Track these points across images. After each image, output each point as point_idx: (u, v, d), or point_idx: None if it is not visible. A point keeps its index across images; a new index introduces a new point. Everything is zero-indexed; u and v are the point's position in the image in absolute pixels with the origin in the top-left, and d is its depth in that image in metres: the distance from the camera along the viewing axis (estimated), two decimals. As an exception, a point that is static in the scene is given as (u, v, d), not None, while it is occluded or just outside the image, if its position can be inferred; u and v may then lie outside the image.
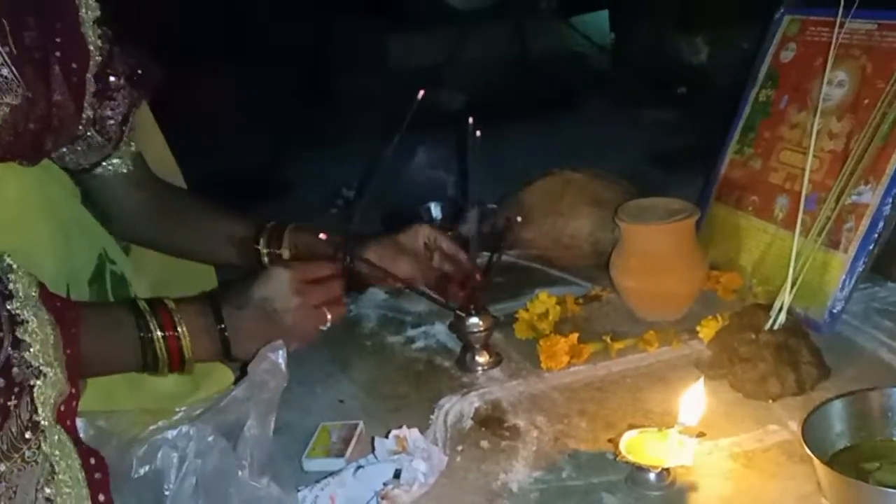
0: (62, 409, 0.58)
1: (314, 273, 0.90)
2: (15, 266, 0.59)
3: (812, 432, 0.67)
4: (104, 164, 0.94)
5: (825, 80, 0.92)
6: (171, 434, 0.64)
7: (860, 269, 0.92)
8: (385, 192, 1.61)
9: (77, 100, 0.82)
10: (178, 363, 0.79)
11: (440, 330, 1.06)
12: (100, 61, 0.85)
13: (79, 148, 0.90)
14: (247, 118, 2.15)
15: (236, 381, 0.88)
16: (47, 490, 0.54)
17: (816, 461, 0.65)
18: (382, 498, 0.73)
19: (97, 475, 0.58)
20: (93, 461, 0.58)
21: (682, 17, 2.12)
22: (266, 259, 1.01)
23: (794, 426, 0.79)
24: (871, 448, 0.70)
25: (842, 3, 0.85)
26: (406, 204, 1.46)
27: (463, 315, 0.95)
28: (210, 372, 0.97)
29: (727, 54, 2.04)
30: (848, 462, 0.68)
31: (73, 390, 0.60)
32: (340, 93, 2.35)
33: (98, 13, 0.83)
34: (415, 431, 0.79)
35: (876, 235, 0.91)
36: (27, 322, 0.57)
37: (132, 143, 0.97)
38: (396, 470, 0.76)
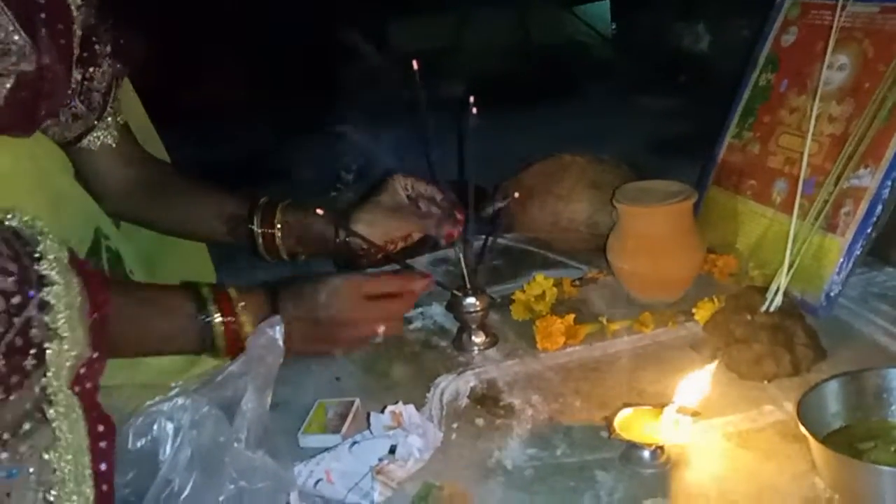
0: (82, 371, 0.58)
1: (381, 288, 0.91)
2: (45, 230, 0.59)
3: (807, 412, 0.68)
4: (89, 136, 0.93)
5: (826, 63, 0.92)
6: (166, 406, 0.64)
7: (857, 253, 0.92)
8: (383, 174, 1.63)
9: (65, 62, 0.81)
10: (235, 348, 0.80)
11: (437, 311, 1.07)
12: (81, 21, 0.83)
13: (62, 118, 0.88)
14: (246, 104, 2.15)
15: (232, 358, 0.89)
16: (45, 456, 0.54)
17: (812, 440, 0.65)
18: (377, 472, 0.73)
19: (102, 443, 0.57)
20: (101, 428, 0.58)
21: (683, 6, 2.12)
22: (260, 239, 1.00)
23: (789, 407, 0.80)
24: (866, 428, 0.70)
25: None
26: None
27: (459, 295, 0.95)
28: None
29: (728, 42, 2.03)
30: (843, 442, 0.68)
31: (96, 354, 0.60)
32: (341, 78, 2.34)
33: None
34: (410, 407, 0.79)
35: (874, 219, 0.91)
36: (55, 284, 0.57)
37: (118, 116, 0.96)
38: (392, 446, 0.76)
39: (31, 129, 0.81)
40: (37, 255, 0.57)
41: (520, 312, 1.02)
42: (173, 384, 0.79)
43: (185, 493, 0.60)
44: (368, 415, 0.79)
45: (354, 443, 0.76)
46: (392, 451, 0.76)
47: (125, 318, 0.71)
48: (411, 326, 1.05)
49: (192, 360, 0.93)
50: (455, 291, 0.95)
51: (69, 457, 0.54)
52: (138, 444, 0.62)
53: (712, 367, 0.79)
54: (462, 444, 0.80)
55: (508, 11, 2.43)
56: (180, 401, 0.63)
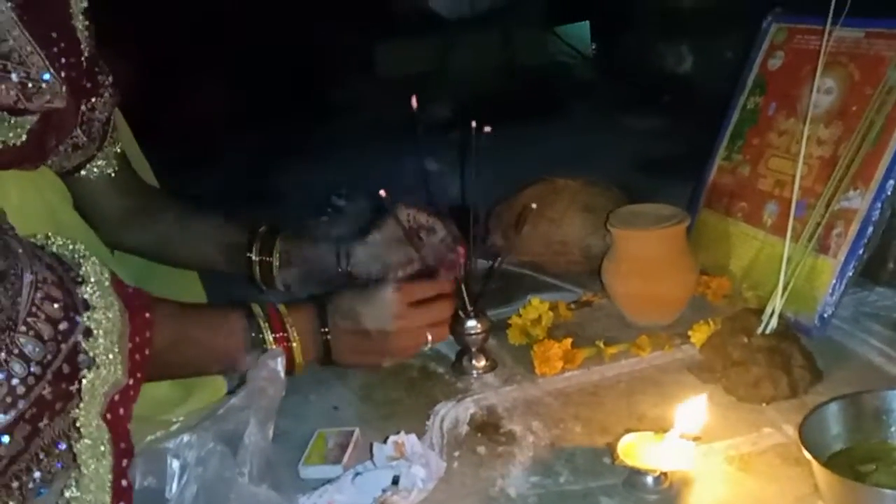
0: (116, 398, 0.58)
1: (422, 294, 0.91)
2: (87, 253, 0.59)
3: (809, 435, 0.68)
4: (88, 166, 0.93)
5: (815, 87, 0.93)
6: (172, 443, 0.64)
7: (850, 274, 0.93)
8: (374, 198, 1.63)
9: (75, 95, 0.81)
10: (289, 364, 0.81)
11: (433, 337, 1.07)
12: (87, 56, 0.84)
13: (62, 149, 0.87)
14: (235, 127, 2.15)
15: (230, 392, 0.88)
16: (66, 493, 0.53)
17: (814, 463, 0.65)
18: (381, 504, 0.72)
19: (123, 482, 0.57)
20: (124, 463, 0.58)
21: (665, 27, 2.15)
22: (257, 269, 1.00)
23: (789, 429, 0.80)
24: (867, 450, 0.70)
25: (831, 11, 0.87)
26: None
27: (461, 317, 0.95)
28: (203, 382, 0.97)
29: (710, 63, 2.07)
30: (844, 464, 0.69)
31: (132, 381, 0.59)
32: (329, 101, 2.35)
33: (85, 4, 0.82)
34: (412, 437, 0.79)
35: (866, 240, 0.92)
36: (95, 308, 0.57)
37: (116, 144, 0.96)
38: (394, 476, 0.76)
39: (42, 161, 0.81)
40: (79, 279, 0.57)
41: (516, 337, 1.03)
42: (174, 418, 0.78)
43: (191, 531, 0.60)
44: (371, 445, 0.79)
45: (357, 474, 0.76)
46: (395, 481, 0.75)
47: (177, 340, 0.71)
48: (407, 352, 1.05)
49: (189, 391, 0.92)
50: (456, 313, 0.95)
51: (90, 497, 0.54)
52: (144, 483, 0.62)
53: (703, 396, 0.79)
54: (464, 472, 0.80)
55: (492, 33, 2.45)
56: (186, 437, 0.63)
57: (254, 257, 0.99)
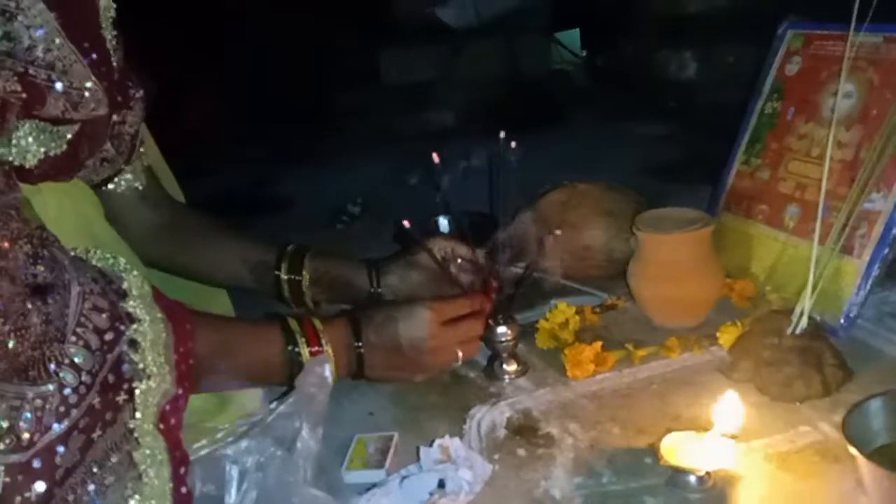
0: (167, 408, 0.58)
1: (456, 312, 0.93)
2: (128, 266, 0.60)
3: (851, 430, 0.70)
4: (116, 179, 0.93)
5: (840, 92, 0.95)
6: (231, 450, 0.64)
7: (875, 274, 0.95)
8: (395, 206, 1.64)
9: (109, 111, 0.81)
10: None
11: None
12: (118, 67, 0.84)
13: (91, 162, 0.88)
14: (242, 135, 2.16)
15: (272, 401, 0.89)
16: (131, 502, 0.54)
17: (859, 457, 0.67)
18: (430, 507, 0.73)
19: (182, 489, 0.58)
20: (182, 470, 0.58)
21: (670, 33, 2.17)
22: (286, 287, 1.01)
23: (825, 427, 0.82)
24: (908, 445, 0.72)
25: (854, 16, 0.89)
26: (415, 219, 1.48)
27: (491, 324, 0.96)
28: (238, 393, 0.98)
29: (713, 69, 2.09)
30: (886, 459, 0.70)
31: (181, 390, 0.60)
32: (334, 109, 2.36)
33: (114, 14, 0.81)
34: (456, 440, 0.80)
35: (889, 241, 0.94)
36: (141, 321, 0.57)
37: (143, 158, 0.96)
38: (440, 480, 0.77)
39: (74, 173, 0.81)
40: (122, 291, 0.57)
41: (545, 341, 1.04)
42: (220, 426, 0.78)
43: (253, 535, 0.60)
44: (418, 449, 0.79)
45: (404, 478, 0.77)
46: (441, 485, 0.76)
47: (214, 353, 0.72)
48: (437, 358, 1.06)
49: (224, 401, 0.93)
50: (488, 321, 0.97)
51: (152, 502, 0.55)
52: (204, 489, 0.62)
53: (733, 393, 0.81)
54: (506, 475, 0.81)
55: (497, 41, 2.47)
56: (245, 443, 0.64)
57: (282, 276, 1.00)
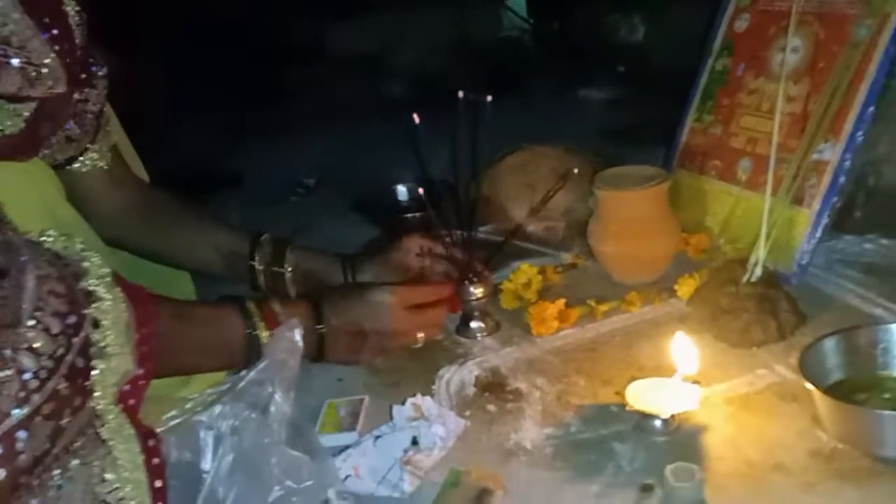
0: (126, 388, 0.57)
1: (420, 298, 0.93)
2: (86, 248, 0.59)
3: (808, 368, 0.73)
4: (81, 158, 0.91)
5: (788, 47, 0.98)
6: (205, 416, 0.64)
7: (824, 223, 0.99)
8: (350, 177, 1.63)
9: (71, 87, 0.79)
10: None
11: (427, 305, 1.09)
12: (80, 45, 0.82)
13: (55, 141, 0.86)
14: (191, 110, 2.11)
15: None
16: (107, 475, 0.54)
17: (815, 392, 0.70)
18: (405, 463, 0.74)
19: (155, 460, 0.57)
20: (152, 443, 0.58)
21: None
22: (262, 278, 1.00)
23: (781, 369, 0.85)
24: (860, 381, 0.75)
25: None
26: (374, 188, 1.48)
27: (465, 283, 0.98)
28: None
29: (663, 31, 2.12)
30: (840, 394, 0.73)
31: (142, 371, 0.59)
32: (284, 83, 2.33)
33: None
34: (428, 399, 0.81)
35: (838, 190, 0.97)
36: (102, 299, 0.56)
37: (109, 136, 0.94)
38: (413, 437, 0.78)
39: (35, 152, 0.79)
40: (80, 273, 0.56)
41: (509, 301, 1.05)
42: (189, 395, 0.78)
43: (230, 499, 0.61)
44: (390, 409, 0.80)
45: (378, 437, 0.77)
46: (414, 442, 0.77)
47: (174, 336, 0.71)
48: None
49: (186, 378, 0.93)
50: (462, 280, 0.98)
51: (126, 474, 0.54)
52: (179, 457, 0.62)
53: (681, 335, 0.83)
54: (478, 430, 0.83)
55: (444, 10, 2.46)
56: (218, 408, 0.64)
57: (257, 266, 0.99)
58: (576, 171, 1.03)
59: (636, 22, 2.10)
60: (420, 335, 0.93)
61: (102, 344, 0.55)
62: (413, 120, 0.99)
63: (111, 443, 0.55)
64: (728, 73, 1.15)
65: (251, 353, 0.80)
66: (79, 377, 0.53)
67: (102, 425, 0.55)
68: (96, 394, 0.55)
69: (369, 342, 0.89)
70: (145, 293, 0.65)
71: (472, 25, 2.50)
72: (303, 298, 0.89)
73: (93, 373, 0.55)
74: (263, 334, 0.80)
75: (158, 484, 0.56)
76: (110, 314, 0.56)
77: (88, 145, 0.90)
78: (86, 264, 0.57)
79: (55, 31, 0.72)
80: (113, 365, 0.56)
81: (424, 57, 2.34)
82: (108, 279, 0.58)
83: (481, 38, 2.49)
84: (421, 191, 0.97)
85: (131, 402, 0.58)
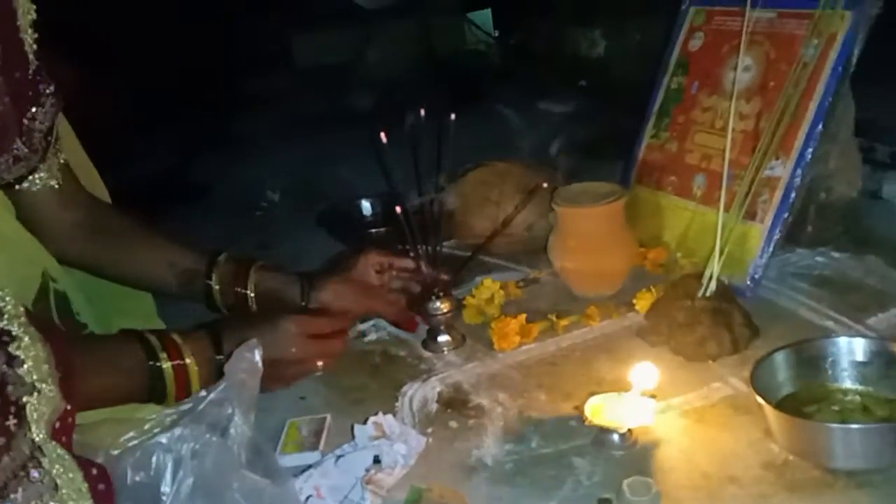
0: (57, 426, 0.57)
1: (318, 330, 0.94)
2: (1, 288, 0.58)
3: (759, 382, 0.74)
4: (31, 177, 0.90)
5: (739, 66, 1.00)
6: (164, 438, 0.64)
7: (777, 237, 1.01)
8: (317, 189, 1.63)
9: (17, 105, 0.79)
10: (183, 392, 0.81)
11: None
12: (33, 67, 0.82)
13: (2, 160, 0.84)
14: (150, 121, 2.09)
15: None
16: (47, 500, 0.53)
17: (766, 406, 0.72)
18: (367, 482, 0.75)
19: (101, 486, 0.57)
20: (95, 472, 0.57)
21: (579, 13, 2.22)
22: (219, 297, 0.99)
23: (735, 382, 0.87)
24: (810, 393, 0.78)
25: (751, -6, 0.93)
26: (338, 203, 1.48)
27: (430, 299, 0.99)
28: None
29: (623, 47, 2.15)
30: (790, 407, 0.75)
31: (69, 406, 0.59)
32: (247, 94, 2.32)
33: (33, 16, 0.80)
34: (390, 417, 0.81)
35: (789, 205, 1.00)
36: (19, 338, 0.56)
37: (59, 155, 0.93)
38: (375, 456, 0.78)
39: None
40: None
41: (472, 317, 1.07)
42: (148, 416, 0.77)
43: (191, 522, 0.61)
44: (352, 428, 0.81)
45: (339, 457, 0.78)
46: (376, 460, 0.78)
47: (87, 370, 0.70)
48: (367, 339, 1.07)
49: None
50: (421, 297, 0.99)
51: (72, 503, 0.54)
52: (136, 479, 0.62)
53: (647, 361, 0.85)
54: (440, 447, 0.83)
55: (409, 23, 2.47)
56: (178, 431, 0.63)
57: (213, 285, 0.99)
58: (545, 185, 1.04)
59: (596, 36, 2.13)
60: (319, 363, 0.94)
61: (30, 379, 0.55)
62: (379, 136, 1.00)
63: (53, 471, 0.54)
64: (683, 91, 1.18)
65: (155, 387, 0.81)
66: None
67: (43, 455, 0.55)
68: (34, 426, 0.55)
69: (268, 371, 0.84)
70: (57, 329, 0.65)
71: (436, 38, 2.52)
72: (202, 328, 0.89)
73: (26, 409, 0.55)
74: (167, 365, 0.81)
75: None
76: (31, 351, 0.56)
77: (38, 164, 0.89)
78: (0, 304, 0.57)
79: (7, 57, 0.71)
80: (44, 398, 0.56)
81: (388, 70, 2.35)
82: (23, 318, 0.58)
83: (445, 51, 2.51)
84: (398, 209, 0.97)
85: (64, 439, 0.58)
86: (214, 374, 0.85)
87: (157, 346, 0.81)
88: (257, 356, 0.75)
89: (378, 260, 1.04)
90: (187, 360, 0.83)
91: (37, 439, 0.56)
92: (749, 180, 1.00)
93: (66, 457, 0.58)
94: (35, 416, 0.56)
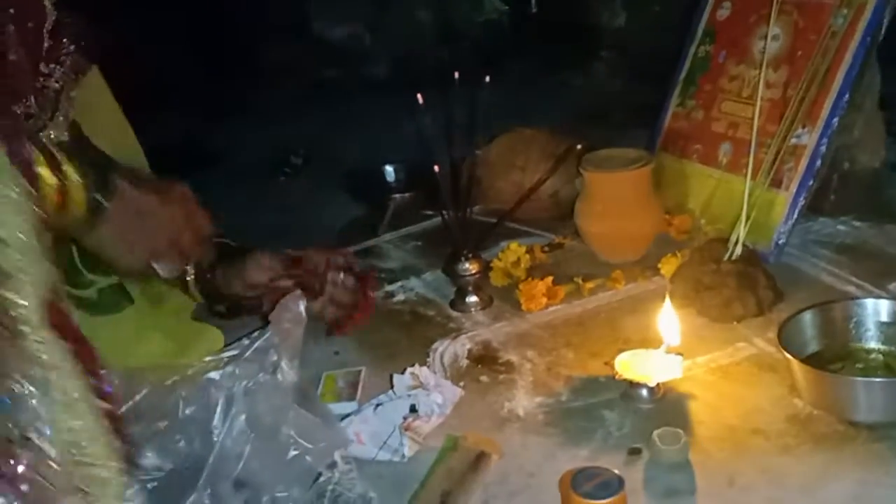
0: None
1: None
2: None
3: (786, 339, 0.77)
4: (39, 135, 0.91)
5: (769, 35, 1.02)
6: (216, 375, 0.66)
7: (801, 204, 1.03)
8: (339, 156, 1.65)
9: (33, 60, 0.79)
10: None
11: (416, 283, 1.12)
12: (53, 19, 0.82)
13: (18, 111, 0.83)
14: (170, 89, 2.11)
15: (228, 345, 0.90)
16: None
17: (793, 361, 0.74)
18: (405, 429, 0.78)
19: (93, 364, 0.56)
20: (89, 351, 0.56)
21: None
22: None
23: (760, 342, 0.89)
24: (834, 352, 0.80)
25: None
26: (363, 166, 1.50)
27: (459, 260, 1.02)
28: (198, 335, 0.99)
29: (644, 17, 2.15)
30: (816, 364, 0.78)
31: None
32: (267, 63, 2.33)
33: None
34: (426, 369, 0.84)
35: (814, 174, 1.02)
36: None
37: (68, 117, 0.93)
38: (412, 405, 0.81)
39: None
40: None
41: (499, 279, 1.09)
42: (192, 362, 0.80)
43: (244, 458, 0.63)
44: (391, 377, 0.84)
45: (378, 405, 0.81)
46: (413, 409, 0.81)
47: None
48: (395, 299, 1.10)
49: (183, 347, 0.95)
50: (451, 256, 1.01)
51: (53, 376, 0.52)
52: (187, 412, 0.65)
53: (667, 302, 0.86)
54: (473, 399, 0.86)
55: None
56: (230, 369, 0.66)
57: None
58: (579, 146, 1.05)
59: (617, 6, 2.13)
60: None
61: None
62: (414, 100, 1.01)
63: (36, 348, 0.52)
64: (710, 60, 1.19)
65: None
66: None
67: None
68: (20, 301, 0.52)
69: (142, 222, 0.78)
70: None
71: (453, 7, 2.52)
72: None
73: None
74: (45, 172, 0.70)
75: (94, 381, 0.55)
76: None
77: (48, 121, 0.89)
78: None
79: (24, 8, 0.72)
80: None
81: (405, 38, 2.35)
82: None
83: (462, 20, 2.51)
84: (436, 168, 0.97)
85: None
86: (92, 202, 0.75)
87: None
88: (301, 307, 0.77)
89: (268, 264, 0.95)
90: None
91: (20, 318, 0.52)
92: (776, 148, 1.02)
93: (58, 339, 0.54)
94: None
